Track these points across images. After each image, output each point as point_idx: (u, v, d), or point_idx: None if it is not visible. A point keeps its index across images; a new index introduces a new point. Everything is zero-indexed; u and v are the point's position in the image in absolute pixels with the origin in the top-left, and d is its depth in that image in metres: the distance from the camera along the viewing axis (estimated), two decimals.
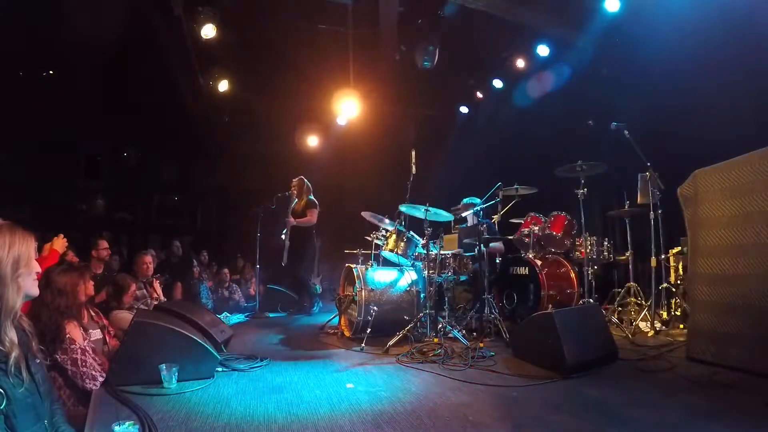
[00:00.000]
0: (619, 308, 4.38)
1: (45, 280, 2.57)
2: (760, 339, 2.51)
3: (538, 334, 2.93)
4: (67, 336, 2.44)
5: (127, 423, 1.71)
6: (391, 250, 4.25)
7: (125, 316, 3.50)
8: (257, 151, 9.08)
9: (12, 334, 1.53)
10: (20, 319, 1.66)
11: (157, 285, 4.48)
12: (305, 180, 5.99)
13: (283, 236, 5.86)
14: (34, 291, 1.66)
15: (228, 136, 9.11)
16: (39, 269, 1.68)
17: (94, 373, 2.44)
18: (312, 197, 5.89)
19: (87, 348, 2.54)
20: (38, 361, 1.63)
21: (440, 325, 3.66)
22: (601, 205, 5.67)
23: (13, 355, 1.47)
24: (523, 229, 4.62)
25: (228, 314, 5.55)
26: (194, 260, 6.91)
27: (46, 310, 2.46)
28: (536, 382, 2.59)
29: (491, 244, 4.55)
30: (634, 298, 4.33)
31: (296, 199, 5.92)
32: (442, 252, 4.10)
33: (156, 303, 4.15)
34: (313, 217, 5.78)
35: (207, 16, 5.64)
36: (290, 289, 6.29)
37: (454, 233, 5.29)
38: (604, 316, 3.44)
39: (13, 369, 1.45)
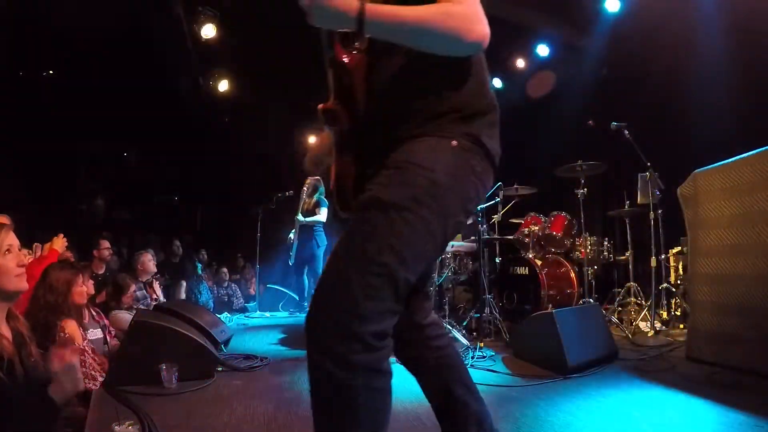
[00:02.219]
0: (619, 308, 4.37)
1: (42, 276, 2.58)
2: (760, 339, 2.51)
3: (538, 334, 2.93)
4: (67, 336, 2.44)
5: (127, 423, 1.71)
6: None
7: (124, 317, 3.50)
8: (257, 151, 9.08)
9: (7, 333, 1.53)
10: (16, 320, 1.65)
11: (156, 286, 4.48)
12: (321, 180, 5.87)
13: (291, 235, 5.84)
14: (18, 286, 1.62)
15: (228, 136, 9.11)
16: (22, 261, 1.65)
17: (93, 373, 2.44)
18: (322, 196, 5.84)
19: (87, 348, 2.54)
20: (34, 359, 1.63)
21: None
22: (601, 205, 5.67)
23: (7, 355, 1.47)
24: (522, 229, 4.62)
25: (228, 314, 5.55)
26: (196, 259, 6.91)
27: (37, 305, 2.46)
28: (536, 382, 2.58)
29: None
30: (634, 298, 4.33)
31: (305, 198, 5.86)
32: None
33: (155, 303, 4.15)
34: (321, 215, 5.76)
35: (207, 16, 5.65)
36: (291, 289, 6.29)
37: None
38: (604, 316, 3.44)
39: (6, 368, 1.45)
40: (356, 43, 1.22)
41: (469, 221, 4.74)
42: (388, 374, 1.04)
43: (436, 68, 1.14)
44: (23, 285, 1.67)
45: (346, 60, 1.22)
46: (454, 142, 1.12)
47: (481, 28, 1.09)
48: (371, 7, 1.04)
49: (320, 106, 1.33)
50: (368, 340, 0.98)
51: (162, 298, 4.49)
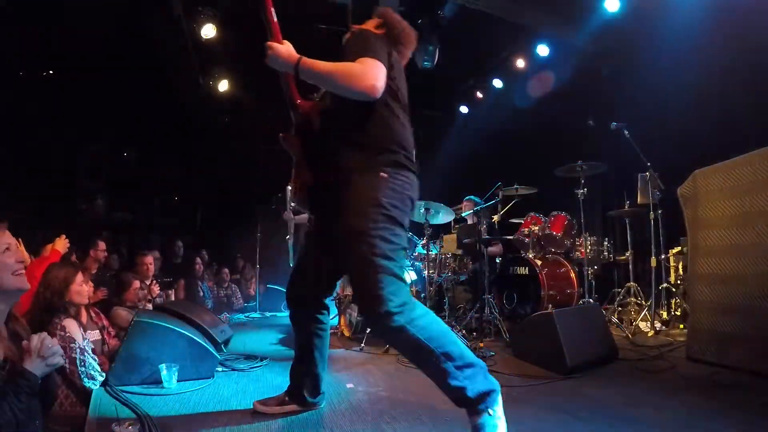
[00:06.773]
0: (619, 308, 4.38)
1: (43, 276, 2.59)
2: (760, 339, 2.51)
3: (538, 334, 2.93)
4: (67, 335, 2.44)
5: (127, 423, 1.71)
6: None
7: (123, 314, 3.51)
8: (257, 151, 9.08)
9: (5, 334, 1.53)
10: (15, 321, 1.65)
11: (153, 287, 4.46)
12: None
13: (288, 237, 5.81)
14: (17, 284, 1.59)
15: (228, 136, 9.11)
16: (21, 258, 1.63)
17: (93, 372, 2.44)
18: None
19: (86, 347, 2.54)
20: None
21: None
22: (601, 205, 5.67)
23: (4, 356, 1.47)
24: (522, 229, 4.62)
25: (228, 314, 5.54)
26: (198, 257, 6.89)
27: (37, 304, 2.46)
28: (536, 382, 2.59)
29: (489, 248, 4.50)
30: (634, 298, 4.33)
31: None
32: (442, 252, 4.10)
33: (155, 303, 4.14)
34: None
35: (207, 16, 5.64)
36: None
37: (454, 233, 5.29)
38: (604, 316, 3.44)
39: (7, 370, 1.45)
40: (314, 94, 1.91)
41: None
42: (420, 309, 1.61)
43: (357, 116, 1.69)
44: (23, 283, 1.63)
45: (299, 102, 1.84)
46: (384, 174, 1.66)
47: (369, 82, 1.60)
48: (305, 59, 1.68)
49: (281, 134, 1.92)
50: (393, 311, 1.54)
51: (159, 299, 4.47)
